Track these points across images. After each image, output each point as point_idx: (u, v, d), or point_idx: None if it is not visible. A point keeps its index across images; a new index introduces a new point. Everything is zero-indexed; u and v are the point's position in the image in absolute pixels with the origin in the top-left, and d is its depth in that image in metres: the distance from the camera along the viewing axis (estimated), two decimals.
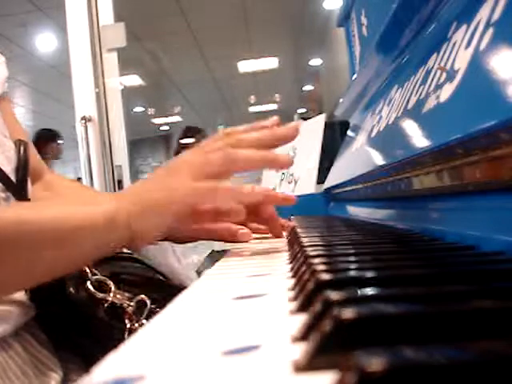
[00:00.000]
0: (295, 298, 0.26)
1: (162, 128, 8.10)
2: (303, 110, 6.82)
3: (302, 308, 0.23)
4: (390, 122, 0.64)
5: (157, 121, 7.74)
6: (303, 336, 0.19)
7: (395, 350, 0.13)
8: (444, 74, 0.45)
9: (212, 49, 4.96)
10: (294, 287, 0.29)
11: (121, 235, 0.44)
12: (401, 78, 0.70)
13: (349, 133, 1.14)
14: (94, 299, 0.55)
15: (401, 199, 0.60)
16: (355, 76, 1.08)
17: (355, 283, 0.24)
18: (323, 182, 1.27)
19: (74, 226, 0.42)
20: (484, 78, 0.34)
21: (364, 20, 1.02)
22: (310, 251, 0.36)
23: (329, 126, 1.56)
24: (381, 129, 0.70)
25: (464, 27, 0.44)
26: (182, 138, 3.24)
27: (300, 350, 0.17)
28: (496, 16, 0.36)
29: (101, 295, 0.55)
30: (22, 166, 0.55)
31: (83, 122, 2.23)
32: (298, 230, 0.61)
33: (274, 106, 7.44)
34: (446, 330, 0.16)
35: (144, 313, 0.57)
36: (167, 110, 7.23)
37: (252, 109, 7.53)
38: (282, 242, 0.59)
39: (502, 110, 0.29)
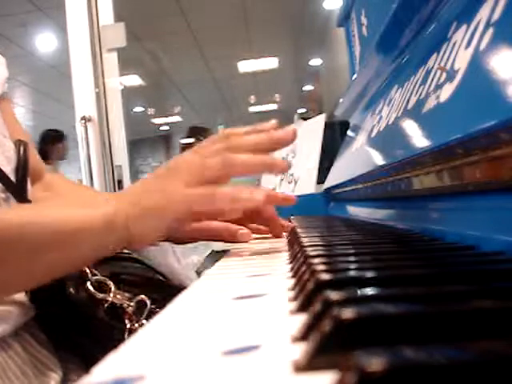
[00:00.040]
0: (295, 298, 0.26)
1: (161, 128, 8.10)
2: (303, 110, 6.82)
3: (301, 308, 0.23)
4: (390, 122, 0.64)
5: (157, 121, 7.74)
6: (303, 336, 0.19)
7: (395, 350, 0.13)
8: (444, 74, 0.45)
9: (212, 49, 4.96)
10: (294, 287, 0.29)
11: (119, 237, 0.44)
12: (401, 78, 0.70)
13: (349, 133, 1.14)
14: (93, 299, 0.55)
15: (401, 199, 0.60)
16: (355, 76, 1.08)
17: (355, 283, 0.24)
18: (323, 182, 1.27)
19: (74, 228, 0.42)
20: (484, 78, 0.34)
21: (364, 20, 1.02)
22: (310, 251, 0.36)
23: (329, 126, 1.56)
24: (381, 129, 0.70)
25: (464, 27, 0.44)
26: (188, 138, 3.25)
27: (300, 350, 0.17)
28: (496, 16, 0.36)
29: (101, 295, 0.55)
30: (22, 167, 0.55)
31: (83, 121, 2.23)
32: (298, 230, 0.61)
33: (274, 106, 7.45)
34: (446, 330, 0.16)
35: (144, 313, 0.57)
36: (167, 110, 7.23)
37: (252, 109, 7.54)
38: (281, 242, 0.59)
39: (502, 110, 0.29)
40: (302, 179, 1.46)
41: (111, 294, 0.57)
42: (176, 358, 0.18)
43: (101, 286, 0.55)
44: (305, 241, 0.46)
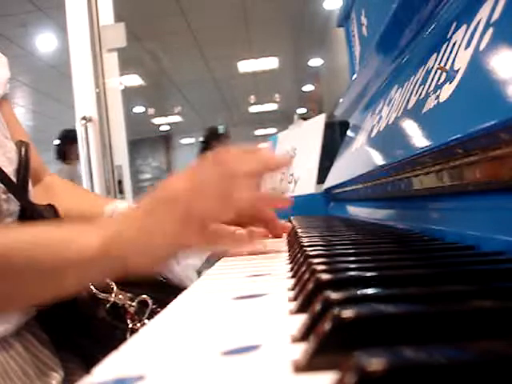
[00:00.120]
0: (295, 298, 0.26)
1: (161, 128, 8.10)
2: (303, 110, 6.82)
3: (301, 308, 0.23)
4: (389, 122, 0.64)
5: (157, 121, 7.74)
6: (303, 336, 0.19)
7: (395, 350, 0.13)
8: (444, 74, 0.45)
9: (212, 49, 4.96)
10: (293, 287, 0.29)
11: (112, 270, 0.43)
12: (401, 78, 0.70)
13: (349, 133, 1.14)
14: (95, 299, 0.55)
15: (401, 199, 0.60)
16: (355, 76, 1.08)
17: (355, 283, 0.24)
18: (323, 182, 1.27)
19: (64, 265, 0.41)
20: (484, 78, 0.34)
21: (364, 20, 1.02)
22: (310, 251, 0.36)
23: (329, 126, 1.57)
24: (381, 129, 0.70)
25: (464, 27, 0.44)
26: (205, 139, 3.24)
27: (300, 350, 0.17)
28: (496, 16, 0.36)
29: (103, 295, 0.55)
30: (23, 167, 0.55)
31: (83, 121, 2.23)
32: (298, 229, 0.61)
33: (274, 106, 7.44)
34: (446, 330, 0.16)
35: (146, 313, 0.57)
36: (167, 110, 7.23)
37: (252, 109, 7.54)
38: (281, 242, 0.59)
39: (502, 109, 0.29)
40: (302, 179, 1.46)
41: (113, 294, 0.57)
42: (176, 358, 0.18)
43: (103, 286, 0.55)
44: (305, 241, 0.46)
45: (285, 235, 0.65)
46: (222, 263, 0.45)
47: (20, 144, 0.57)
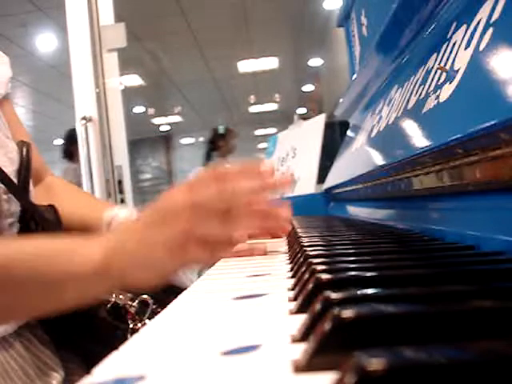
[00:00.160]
0: (295, 298, 0.26)
1: (162, 128, 8.10)
2: (303, 110, 6.82)
3: (301, 308, 0.23)
4: (389, 122, 0.64)
5: (157, 121, 7.74)
6: (303, 336, 0.19)
7: (395, 350, 0.13)
8: (444, 74, 0.45)
9: (212, 49, 4.96)
10: (293, 287, 0.29)
11: (111, 286, 0.44)
12: (401, 78, 0.70)
13: (349, 133, 1.14)
14: (96, 300, 0.55)
15: (401, 199, 0.60)
16: (355, 76, 1.08)
17: (355, 283, 0.24)
18: (323, 182, 1.27)
19: (66, 278, 0.41)
20: (484, 78, 0.34)
21: (364, 20, 1.02)
22: (310, 251, 0.36)
23: (329, 126, 1.57)
24: (381, 129, 0.70)
25: (464, 27, 0.44)
26: (212, 139, 3.22)
27: (300, 350, 0.17)
28: (496, 16, 0.36)
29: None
30: (25, 168, 0.55)
31: (83, 121, 2.23)
32: (298, 230, 0.61)
33: (274, 106, 7.44)
34: (446, 329, 0.16)
35: (146, 313, 0.57)
36: (167, 110, 7.23)
37: (252, 109, 7.53)
38: (282, 242, 0.59)
39: (502, 109, 0.29)
40: (302, 179, 1.46)
41: (114, 295, 0.57)
42: (176, 358, 0.18)
43: None
44: (305, 241, 0.46)
45: (285, 235, 0.65)
46: (222, 263, 0.45)
47: (21, 144, 0.57)
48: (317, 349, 0.16)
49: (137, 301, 0.57)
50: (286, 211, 0.49)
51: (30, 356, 0.51)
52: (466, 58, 0.40)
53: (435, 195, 0.47)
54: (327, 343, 0.16)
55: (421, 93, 0.51)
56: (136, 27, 3.80)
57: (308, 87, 6.65)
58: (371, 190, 0.74)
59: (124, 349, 0.20)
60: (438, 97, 0.44)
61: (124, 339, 0.21)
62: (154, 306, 0.57)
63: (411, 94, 0.57)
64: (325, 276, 0.25)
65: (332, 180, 1.11)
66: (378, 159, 0.63)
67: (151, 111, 7.16)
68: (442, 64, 0.47)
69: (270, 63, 5.64)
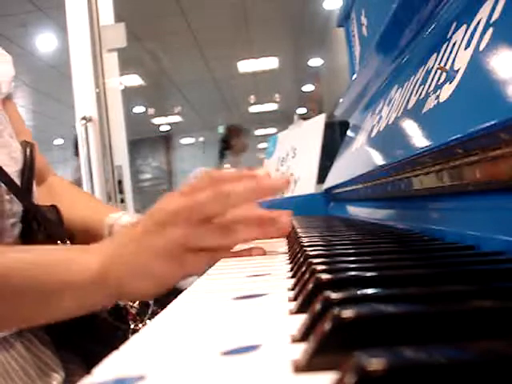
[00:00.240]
0: (295, 298, 0.26)
1: (162, 128, 8.10)
2: (303, 110, 6.82)
3: (301, 308, 0.23)
4: (389, 122, 0.64)
5: (157, 121, 7.74)
6: (303, 336, 0.19)
7: (395, 350, 0.13)
8: (444, 74, 0.45)
9: (212, 49, 4.96)
10: (293, 287, 0.29)
11: (108, 295, 0.43)
12: (401, 78, 0.70)
13: (349, 133, 1.14)
14: (94, 308, 0.55)
15: (401, 199, 0.60)
16: (355, 76, 1.08)
17: (355, 283, 0.24)
18: (323, 182, 1.27)
19: (64, 287, 0.41)
20: (484, 78, 0.34)
21: (364, 20, 1.02)
22: (310, 251, 0.36)
23: (329, 126, 1.57)
24: (381, 129, 0.70)
25: (464, 27, 0.44)
26: (225, 138, 3.21)
27: (300, 350, 0.17)
28: (496, 16, 0.36)
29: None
30: (28, 168, 0.55)
31: (83, 121, 2.23)
32: (298, 230, 0.61)
33: (274, 106, 7.44)
34: (446, 330, 0.16)
35: (147, 313, 0.57)
36: (167, 110, 7.23)
37: (252, 109, 7.54)
38: (282, 242, 0.59)
39: (502, 109, 0.29)
40: (302, 179, 1.46)
41: None
42: (176, 358, 0.18)
43: None
44: (305, 241, 0.46)
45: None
46: (222, 263, 0.45)
47: (25, 144, 0.57)
48: (317, 349, 0.16)
49: (138, 301, 0.57)
50: (285, 217, 0.49)
51: (31, 356, 0.51)
52: (466, 58, 0.40)
53: (435, 195, 0.47)
54: (327, 343, 0.16)
55: (421, 93, 0.52)
56: (136, 27, 3.80)
57: (308, 87, 6.66)
58: (371, 190, 0.74)
59: (124, 349, 0.20)
60: (437, 97, 0.44)
61: (125, 340, 0.21)
62: (154, 308, 0.57)
63: (411, 93, 0.57)
64: (325, 276, 0.25)
65: (332, 180, 1.11)
66: (378, 159, 0.63)
67: (151, 111, 7.16)
68: (442, 64, 0.47)
69: (270, 63, 5.64)
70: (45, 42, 4.34)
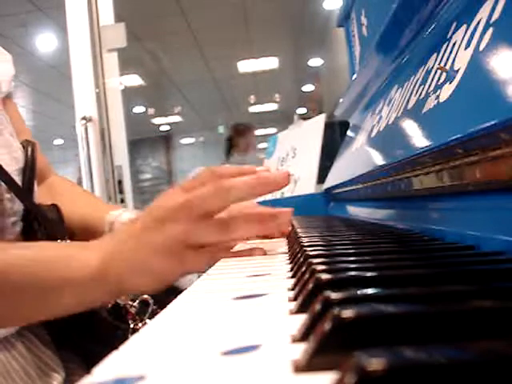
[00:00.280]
0: (295, 298, 0.26)
1: (162, 128, 8.10)
2: (303, 110, 6.82)
3: (301, 308, 0.23)
4: (389, 122, 0.64)
5: (157, 121, 7.74)
6: (303, 336, 0.19)
7: (395, 350, 0.13)
8: (444, 74, 0.45)
9: (212, 49, 4.96)
10: (293, 287, 0.29)
11: (108, 292, 0.43)
12: (401, 78, 0.70)
13: (349, 133, 1.14)
14: (94, 305, 0.55)
15: (401, 199, 0.60)
16: (355, 76, 1.08)
17: (355, 283, 0.24)
18: (323, 182, 1.27)
19: (64, 283, 0.41)
20: (484, 78, 0.34)
21: (364, 20, 1.02)
22: (310, 251, 0.36)
23: (329, 126, 1.57)
24: (381, 129, 0.70)
25: (464, 27, 0.44)
26: (231, 136, 3.18)
27: (300, 350, 0.17)
28: (496, 16, 0.36)
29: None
30: (30, 168, 0.55)
31: (83, 121, 2.23)
32: (298, 230, 0.61)
33: (273, 106, 7.45)
34: (446, 330, 0.16)
35: (147, 313, 0.57)
36: (167, 110, 7.23)
37: (252, 109, 7.54)
38: (282, 242, 0.59)
39: (502, 109, 0.29)
40: (302, 179, 1.46)
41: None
42: (176, 358, 0.18)
43: None
44: (305, 241, 0.46)
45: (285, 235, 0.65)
46: (222, 263, 0.45)
47: (27, 144, 0.57)
48: (317, 349, 0.16)
49: (137, 301, 0.57)
50: (286, 214, 0.48)
51: (32, 357, 0.51)
52: (466, 58, 0.40)
53: (435, 195, 0.47)
54: (327, 343, 0.16)
55: (421, 93, 0.52)
56: (136, 27, 3.80)
57: (308, 87, 6.66)
58: (371, 190, 0.74)
59: (124, 349, 0.20)
60: (438, 97, 0.44)
61: (124, 339, 0.21)
62: (155, 307, 0.57)
63: (411, 93, 0.57)
64: (325, 276, 0.25)
65: (332, 180, 1.11)
66: (378, 159, 0.63)
67: (151, 111, 7.16)
68: (442, 64, 0.47)
69: (270, 63, 5.64)
70: (45, 42, 4.34)
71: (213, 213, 0.43)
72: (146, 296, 0.58)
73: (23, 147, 0.57)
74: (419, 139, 0.46)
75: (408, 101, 0.57)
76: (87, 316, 0.54)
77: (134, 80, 5.54)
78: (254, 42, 4.97)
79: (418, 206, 0.54)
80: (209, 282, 0.36)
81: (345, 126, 1.28)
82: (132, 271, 0.42)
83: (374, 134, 0.75)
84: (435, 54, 0.52)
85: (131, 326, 0.56)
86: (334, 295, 0.20)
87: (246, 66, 5.64)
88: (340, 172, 1.01)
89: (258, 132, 8.48)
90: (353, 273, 0.26)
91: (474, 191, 0.37)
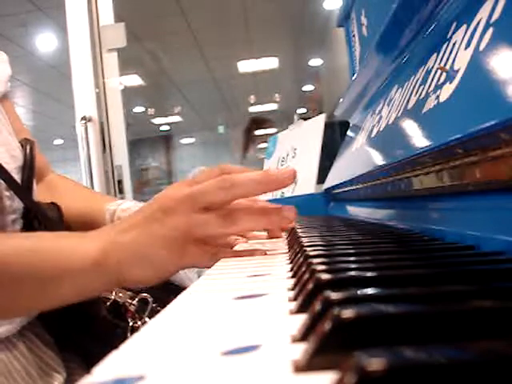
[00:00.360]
0: (295, 298, 0.26)
1: (162, 128, 8.10)
2: (303, 110, 6.82)
3: (301, 308, 0.23)
4: (389, 122, 0.64)
5: (157, 121, 7.74)
6: (303, 336, 0.19)
7: (395, 350, 0.13)
8: (444, 74, 0.45)
9: (212, 49, 4.96)
10: (294, 287, 0.29)
11: (108, 281, 0.43)
12: (401, 78, 0.70)
13: (349, 133, 1.14)
14: (96, 298, 0.55)
15: (401, 199, 0.60)
16: (355, 76, 1.08)
17: (355, 283, 0.24)
18: (323, 182, 1.27)
19: (63, 274, 0.41)
20: (484, 78, 0.34)
21: (364, 20, 1.02)
22: (310, 251, 0.36)
23: (329, 126, 1.57)
24: (381, 129, 0.70)
25: (464, 27, 0.44)
26: (249, 129, 3.15)
27: (300, 350, 0.17)
28: (496, 16, 0.36)
29: (103, 293, 0.56)
30: (28, 166, 0.55)
31: (83, 122, 2.23)
32: (298, 229, 0.61)
33: (274, 106, 7.44)
34: (446, 330, 0.16)
35: (146, 311, 0.57)
36: (167, 110, 7.23)
37: (252, 109, 7.53)
38: (281, 242, 0.59)
39: (502, 109, 0.29)
40: (302, 179, 1.46)
41: (114, 293, 0.57)
42: (176, 358, 0.18)
43: None
44: (305, 241, 0.46)
45: (285, 235, 0.65)
46: (222, 263, 0.45)
47: (25, 142, 0.57)
48: (317, 349, 0.16)
49: (137, 299, 0.57)
50: (291, 210, 0.48)
51: (33, 357, 0.51)
52: (466, 58, 0.40)
53: (435, 195, 0.47)
54: (327, 343, 0.16)
55: (421, 93, 0.52)
56: (136, 27, 3.79)
57: (308, 87, 6.65)
58: (371, 190, 0.74)
59: (124, 348, 0.20)
60: (438, 97, 0.44)
61: (124, 337, 0.21)
62: (154, 305, 0.57)
63: (411, 94, 0.57)
64: (325, 276, 0.25)
65: (332, 180, 1.11)
66: (378, 159, 0.63)
67: (151, 111, 7.16)
68: (442, 64, 0.47)
69: (270, 63, 5.64)
70: (45, 41, 4.34)
71: (216, 205, 0.43)
72: (145, 294, 0.58)
73: (22, 146, 0.57)
74: (419, 139, 0.46)
75: (408, 101, 0.57)
76: (87, 314, 0.55)
77: (134, 80, 5.54)
78: (254, 42, 4.97)
79: (417, 206, 0.54)
80: (209, 281, 0.36)
81: (345, 126, 1.28)
82: (132, 262, 0.41)
83: (374, 134, 0.75)
84: (435, 54, 0.52)
85: (130, 324, 0.56)
86: (333, 295, 0.20)
87: (245, 65, 5.64)
88: (340, 172, 1.01)
89: (258, 132, 8.48)
90: (353, 273, 0.26)
91: (474, 191, 0.37)
